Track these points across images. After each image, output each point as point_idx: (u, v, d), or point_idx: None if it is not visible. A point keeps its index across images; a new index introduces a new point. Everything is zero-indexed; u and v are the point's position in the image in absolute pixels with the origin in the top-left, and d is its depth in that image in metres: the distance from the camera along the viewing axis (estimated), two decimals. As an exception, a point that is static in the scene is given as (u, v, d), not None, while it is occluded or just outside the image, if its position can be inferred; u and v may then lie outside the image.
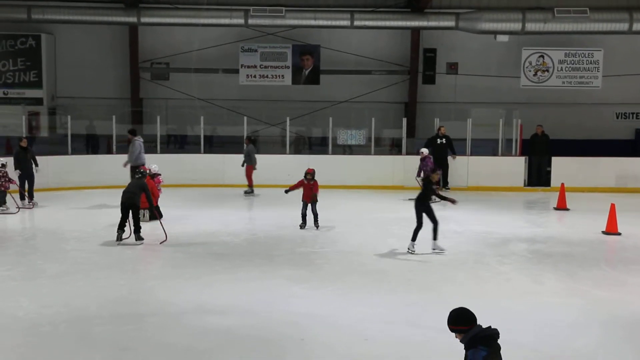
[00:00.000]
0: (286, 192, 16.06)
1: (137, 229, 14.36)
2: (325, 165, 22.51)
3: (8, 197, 17.53)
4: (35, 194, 18.45)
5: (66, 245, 14.51)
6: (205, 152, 23.47)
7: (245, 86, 26.79)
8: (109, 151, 23.27)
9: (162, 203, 16.73)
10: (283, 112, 24.52)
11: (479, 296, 10.55)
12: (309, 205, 15.79)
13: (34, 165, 18.23)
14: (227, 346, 8.81)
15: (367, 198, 19.37)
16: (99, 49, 27.27)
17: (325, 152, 23.63)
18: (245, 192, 21.01)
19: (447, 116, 25.07)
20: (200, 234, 15.31)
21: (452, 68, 27.42)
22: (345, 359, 8.34)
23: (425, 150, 20.21)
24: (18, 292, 10.96)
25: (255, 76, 26.58)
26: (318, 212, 15.84)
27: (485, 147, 24.13)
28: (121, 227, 14.25)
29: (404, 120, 23.61)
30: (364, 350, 8.49)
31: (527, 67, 25.65)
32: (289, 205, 17.87)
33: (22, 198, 17.92)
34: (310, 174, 15.91)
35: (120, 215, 14.27)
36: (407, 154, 23.16)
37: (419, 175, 19.65)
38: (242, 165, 21.23)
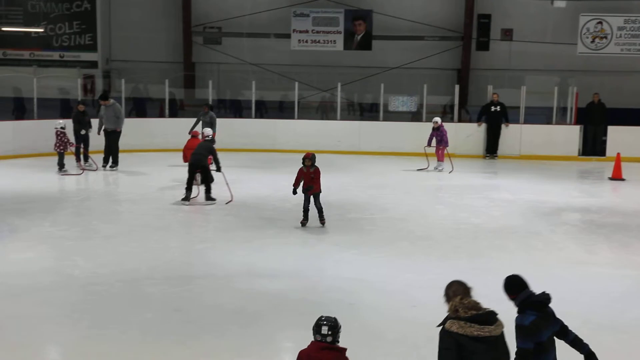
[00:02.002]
0: (294, 192, 12.93)
1: (208, 189, 14.67)
2: (375, 132, 22.46)
3: (67, 159, 17.84)
4: (91, 156, 18.77)
5: (119, 207, 14.78)
6: (256, 117, 23.56)
7: (296, 51, 26.73)
8: (160, 115, 23.49)
9: (214, 167, 16.87)
10: (334, 78, 24.44)
11: (529, 264, 10.43)
12: (312, 197, 12.81)
13: (89, 128, 18.52)
14: (277, 309, 8.90)
15: (417, 165, 19.27)
16: (152, 12, 27.47)
17: (376, 119, 23.52)
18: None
19: (500, 83, 24.70)
20: (251, 198, 15.43)
21: (507, 34, 26.94)
22: (394, 324, 8.37)
23: (438, 120, 19.35)
24: (74, 252, 11.22)
25: (307, 41, 26.49)
26: (322, 205, 12.91)
27: (539, 116, 23.74)
28: (189, 188, 14.57)
29: (456, 88, 23.34)
30: (412, 316, 8.50)
31: (584, 34, 25.02)
32: (339, 171, 17.89)
33: (78, 160, 18.26)
34: (309, 158, 12.70)
35: (188, 176, 14.59)
36: (459, 121, 22.92)
37: (429, 144, 19.04)
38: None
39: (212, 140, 15.68)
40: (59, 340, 8.07)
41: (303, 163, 12.70)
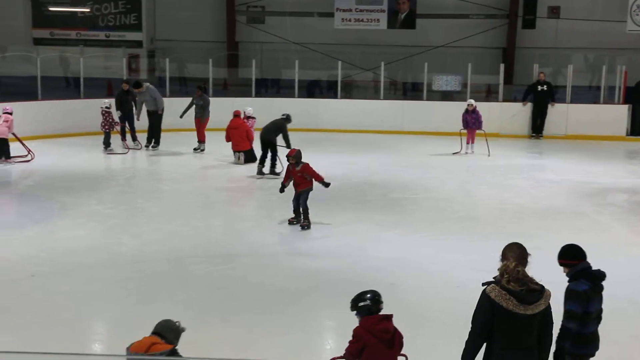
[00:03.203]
0: (281, 191, 11.71)
1: (273, 164, 15.19)
2: (419, 112, 22.30)
3: (113, 138, 18.05)
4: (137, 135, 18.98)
5: (164, 186, 14.96)
6: (299, 97, 23.56)
7: (339, 30, 26.61)
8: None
9: (256, 145, 16.95)
10: (377, 57, 24.26)
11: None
12: (300, 196, 11.48)
13: (134, 108, 18.70)
14: (318, 288, 8.96)
15: (461, 145, 19.11)
16: (196, -8, 27.60)
17: (419, 98, 23.35)
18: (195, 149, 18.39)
19: (546, 62, 24.31)
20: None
21: (554, 12, 26.47)
22: (436, 304, 8.37)
23: (473, 102, 18.63)
24: (120, 230, 11.41)
25: (350, 20, 26.36)
26: (308, 206, 11.43)
27: (586, 95, 23.33)
28: (261, 162, 15.21)
29: (502, 66, 23.00)
30: (455, 296, 8.47)
31: (634, 11, 24.43)
32: (382, 150, 17.85)
33: (123, 139, 18.48)
34: (292, 156, 11.45)
35: (261, 151, 15.20)
36: (504, 100, 22.63)
37: (464, 127, 18.32)
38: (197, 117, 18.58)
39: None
40: (106, 317, 8.23)
41: (288, 161, 11.67)
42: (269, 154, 15.30)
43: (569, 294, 5.46)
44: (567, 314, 5.41)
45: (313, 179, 11.45)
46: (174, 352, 5.08)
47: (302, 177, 11.39)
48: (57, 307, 8.26)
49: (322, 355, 7.14)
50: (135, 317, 8.02)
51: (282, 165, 14.77)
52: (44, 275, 9.25)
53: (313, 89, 25.71)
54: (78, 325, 7.84)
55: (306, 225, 11.37)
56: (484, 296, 4.98)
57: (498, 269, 5.09)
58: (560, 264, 5.68)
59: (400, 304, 7.90)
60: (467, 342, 5.10)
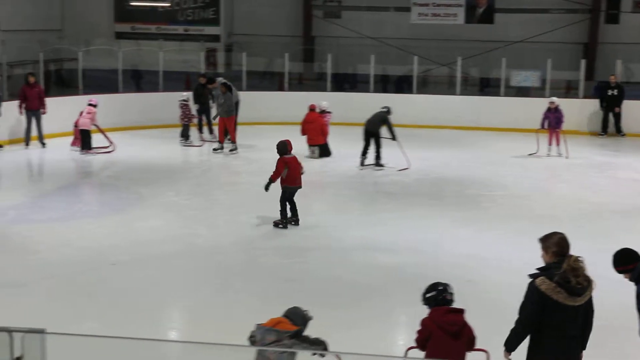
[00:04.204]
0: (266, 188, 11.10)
1: (378, 156, 15.42)
2: (496, 108, 21.95)
3: (191, 131, 18.33)
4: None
5: (239, 179, 15.13)
6: (374, 91, 23.46)
7: (416, 25, 26.42)
8: (280, 88, 23.77)
9: (331, 140, 16.99)
10: (454, 52, 23.98)
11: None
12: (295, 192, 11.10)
13: (210, 101, 18.95)
14: (393, 283, 8.91)
15: (540, 142, 18.65)
16: (274, -14, 27.82)
17: (496, 94, 22.97)
18: (214, 149, 17.43)
19: (630, 58, 23.58)
20: (368, 172, 15.42)
21: (639, 6, 25.66)
22: (514, 302, 8.16)
23: (556, 100, 17.52)
24: (196, 221, 11.59)
25: (427, 14, 26.14)
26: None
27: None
28: (363, 154, 15.55)
29: (582, 62, 22.42)
30: (531, 296, 8.30)
31: None
32: (458, 147, 17.67)
33: (200, 131, 18.75)
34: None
35: (363, 143, 15.48)
36: (585, 97, 22.06)
37: (542, 126, 17.25)
38: (214, 119, 18.20)
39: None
40: (182, 305, 8.38)
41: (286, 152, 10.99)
42: (373, 146, 15.55)
43: None
44: None
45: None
46: (298, 334, 5.31)
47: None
48: (135, 294, 8.45)
49: (395, 349, 7.10)
50: (209, 306, 8.15)
51: (408, 160, 15.24)
52: (123, 263, 9.48)
53: (389, 84, 25.57)
54: (153, 314, 8.01)
55: (286, 223, 11.05)
56: (533, 288, 5.08)
57: (542, 258, 5.26)
58: (619, 272, 5.63)
59: (478, 300, 7.82)
60: (512, 330, 5.28)
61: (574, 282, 4.99)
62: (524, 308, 5.17)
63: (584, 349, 5.32)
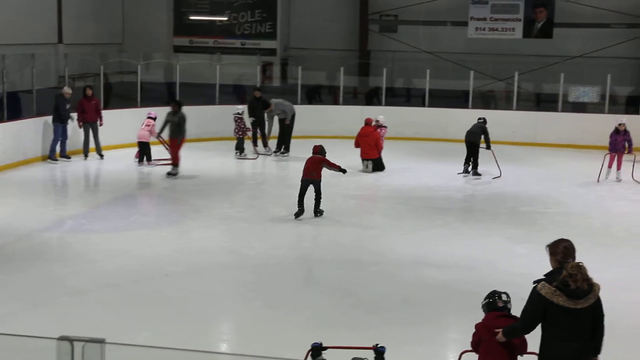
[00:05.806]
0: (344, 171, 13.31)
1: (475, 165, 16.17)
2: (553, 123, 21.64)
3: (245, 144, 18.48)
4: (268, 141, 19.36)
5: (293, 191, 15.11)
6: (429, 106, 23.34)
7: (472, 39, 26.24)
8: (334, 102, 23.83)
9: (385, 154, 16.96)
10: (511, 67, 23.73)
11: None
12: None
13: (265, 114, 19.07)
14: (445, 300, 8.85)
15: (598, 158, 18.26)
16: (330, 1, 27.90)
17: (554, 109, 22.64)
18: (169, 173, 15.91)
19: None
20: (422, 187, 15.34)
21: (703, 21, 25.08)
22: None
23: (624, 120, 16.22)
24: (250, 233, 11.68)
25: (484, 29, 25.96)
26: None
27: None
28: (467, 162, 16.30)
29: (644, 77, 22.02)
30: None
31: None
32: (514, 162, 17.48)
33: (254, 144, 18.90)
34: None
35: (467, 150, 16.20)
36: (646, 113, 21.60)
37: (612, 150, 15.96)
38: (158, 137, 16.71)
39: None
40: (234, 317, 8.45)
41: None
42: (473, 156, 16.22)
43: None
44: None
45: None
46: None
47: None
48: (187, 304, 8.55)
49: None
50: (261, 320, 8.19)
51: (500, 169, 16.09)
52: (177, 274, 9.60)
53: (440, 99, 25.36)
54: (206, 324, 8.10)
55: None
56: (535, 293, 5.30)
57: (550, 263, 5.53)
58: None
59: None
60: (514, 326, 5.47)
61: (573, 286, 5.19)
62: (525, 311, 5.38)
63: (599, 353, 5.43)
